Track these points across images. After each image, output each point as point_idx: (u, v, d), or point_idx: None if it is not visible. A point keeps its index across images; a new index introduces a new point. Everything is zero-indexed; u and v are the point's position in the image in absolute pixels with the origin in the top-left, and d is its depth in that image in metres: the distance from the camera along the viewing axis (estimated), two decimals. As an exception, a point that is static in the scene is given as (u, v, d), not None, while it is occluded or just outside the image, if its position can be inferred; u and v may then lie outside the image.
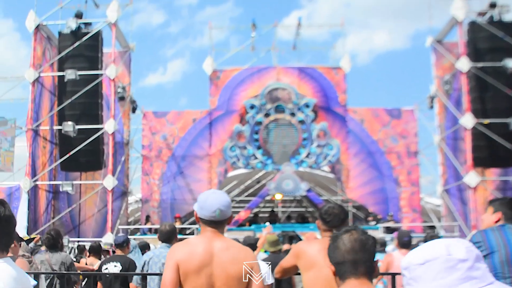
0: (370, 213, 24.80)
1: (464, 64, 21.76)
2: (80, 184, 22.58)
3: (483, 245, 4.62)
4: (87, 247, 12.48)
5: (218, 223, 3.86)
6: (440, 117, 25.62)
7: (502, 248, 4.54)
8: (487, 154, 21.75)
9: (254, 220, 25.20)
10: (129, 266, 7.60)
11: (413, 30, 72.99)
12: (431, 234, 8.14)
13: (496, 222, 4.82)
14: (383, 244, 15.28)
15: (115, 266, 7.62)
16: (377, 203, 25.81)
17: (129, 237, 8.99)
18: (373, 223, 23.32)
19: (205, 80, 26.72)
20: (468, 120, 21.50)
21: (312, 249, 4.65)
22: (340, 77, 26.35)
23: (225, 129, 26.07)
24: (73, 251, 15.51)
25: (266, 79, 26.24)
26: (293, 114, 25.83)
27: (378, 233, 20.70)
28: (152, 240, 17.96)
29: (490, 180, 23.36)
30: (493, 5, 22.22)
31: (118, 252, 8.20)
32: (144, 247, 10.10)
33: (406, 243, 8.08)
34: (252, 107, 25.89)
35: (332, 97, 26.17)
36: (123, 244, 8.12)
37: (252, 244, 8.09)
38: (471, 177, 21.40)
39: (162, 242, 6.60)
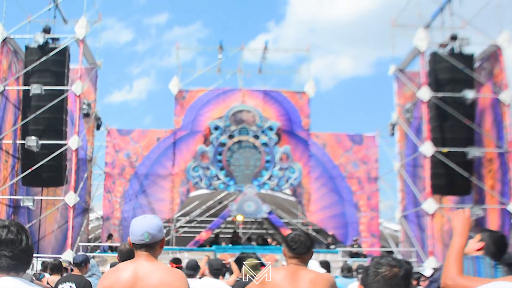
0: (330, 236, 25.00)
1: (425, 93, 22.23)
2: (41, 199, 22.40)
3: None
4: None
5: (149, 247, 3.87)
6: (400, 144, 26.10)
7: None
8: (445, 182, 22.18)
9: (215, 241, 25.23)
10: (84, 287, 7.40)
11: (376, 58, 74.12)
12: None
13: (478, 250, 4.97)
14: (349, 269, 15.46)
15: (70, 286, 7.40)
16: (337, 227, 26.07)
17: (89, 255, 8.81)
18: (332, 246, 23.54)
19: (170, 99, 26.89)
20: (427, 148, 21.93)
21: (278, 275, 4.63)
22: (304, 102, 26.71)
23: (189, 149, 26.18)
24: (31, 267, 15.36)
25: (231, 101, 26.47)
26: (256, 137, 26.07)
27: (337, 257, 20.93)
28: (113, 258, 17.96)
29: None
30: (454, 38, 22.78)
31: (76, 271, 7.96)
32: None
33: None
34: (217, 128, 26.06)
35: (295, 121, 26.50)
36: (81, 263, 7.92)
37: (218, 269, 8.07)
38: (429, 204, 21.77)
39: (122, 262, 6.49)
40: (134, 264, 3.86)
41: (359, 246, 24.11)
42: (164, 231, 3.99)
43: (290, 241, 4.69)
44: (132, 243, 3.90)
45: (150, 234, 3.84)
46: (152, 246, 3.90)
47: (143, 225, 3.87)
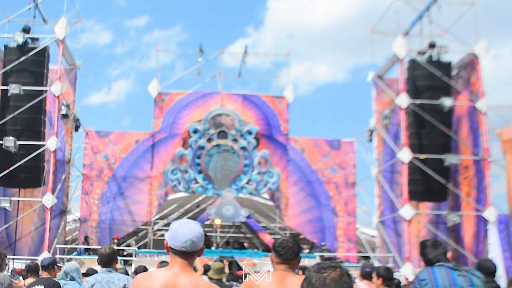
0: (305, 241, 25.11)
1: (403, 100, 22.42)
2: (18, 200, 22.24)
3: (429, 284, 4.79)
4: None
5: (188, 255, 3.69)
6: (378, 150, 26.28)
7: None
8: (422, 188, 22.39)
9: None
10: None
11: (353, 64, 74.66)
12: None
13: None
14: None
15: None
16: (314, 232, 26.18)
17: (69, 257, 8.70)
18: (306, 251, 23.64)
19: (149, 102, 26.86)
20: (405, 155, 22.12)
21: (265, 281, 4.57)
22: (283, 106, 26.81)
23: (168, 152, 26.16)
24: (7, 268, 15.26)
25: (211, 104, 26.50)
26: (235, 140, 26.11)
27: (315, 261, 21.01)
28: (90, 260, 17.90)
29: (424, 213, 24.01)
30: (432, 45, 23.05)
31: (45, 274, 7.84)
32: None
33: (367, 274, 8.31)
34: (196, 131, 26.07)
35: (274, 126, 26.59)
36: (49, 266, 7.80)
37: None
38: (406, 210, 21.94)
39: (102, 266, 6.36)
40: (170, 272, 3.71)
41: (329, 251, 24.30)
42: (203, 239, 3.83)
43: (278, 247, 4.64)
44: (170, 248, 3.73)
45: (193, 243, 3.66)
46: (191, 255, 3.72)
47: (188, 232, 3.67)
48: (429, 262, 5.04)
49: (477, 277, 4.84)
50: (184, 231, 3.68)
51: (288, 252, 4.61)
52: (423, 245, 5.18)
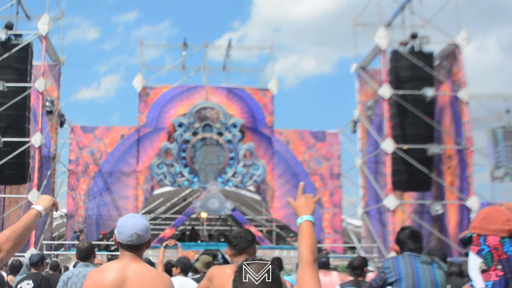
0: (292, 232, 25.26)
1: (386, 91, 22.57)
2: (4, 197, 22.26)
3: (393, 271, 5.00)
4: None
5: (135, 248, 3.84)
6: (362, 141, 26.46)
7: (410, 276, 4.91)
8: (406, 178, 22.57)
9: (193, 238, 25.44)
10: (41, 283, 7.48)
11: (339, 57, 75.01)
12: None
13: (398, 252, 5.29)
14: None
15: (28, 284, 7.46)
16: (300, 223, 26.23)
17: (56, 253, 8.73)
18: (294, 243, 23.79)
19: (135, 96, 26.83)
20: (388, 145, 22.27)
21: (224, 273, 4.70)
22: (267, 99, 26.89)
23: (153, 146, 26.19)
24: None
25: (195, 98, 26.53)
26: (220, 134, 26.17)
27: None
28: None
29: (408, 203, 24.21)
30: (414, 36, 23.20)
31: (33, 271, 7.92)
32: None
33: (323, 264, 8.39)
34: (181, 125, 26.11)
35: (259, 118, 26.66)
36: (37, 263, 7.88)
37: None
38: (390, 200, 22.09)
39: (80, 260, 6.50)
40: (119, 264, 3.86)
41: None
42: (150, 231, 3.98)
43: (231, 238, 4.76)
44: (118, 242, 3.88)
45: (139, 236, 3.81)
46: (139, 247, 3.88)
47: (133, 226, 3.82)
48: (405, 250, 5.21)
49: (440, 267, 5.04)
50: (129, 225, 3.83)
51: (241, 241, 4.72)
52: (403, 234, 5.31)
